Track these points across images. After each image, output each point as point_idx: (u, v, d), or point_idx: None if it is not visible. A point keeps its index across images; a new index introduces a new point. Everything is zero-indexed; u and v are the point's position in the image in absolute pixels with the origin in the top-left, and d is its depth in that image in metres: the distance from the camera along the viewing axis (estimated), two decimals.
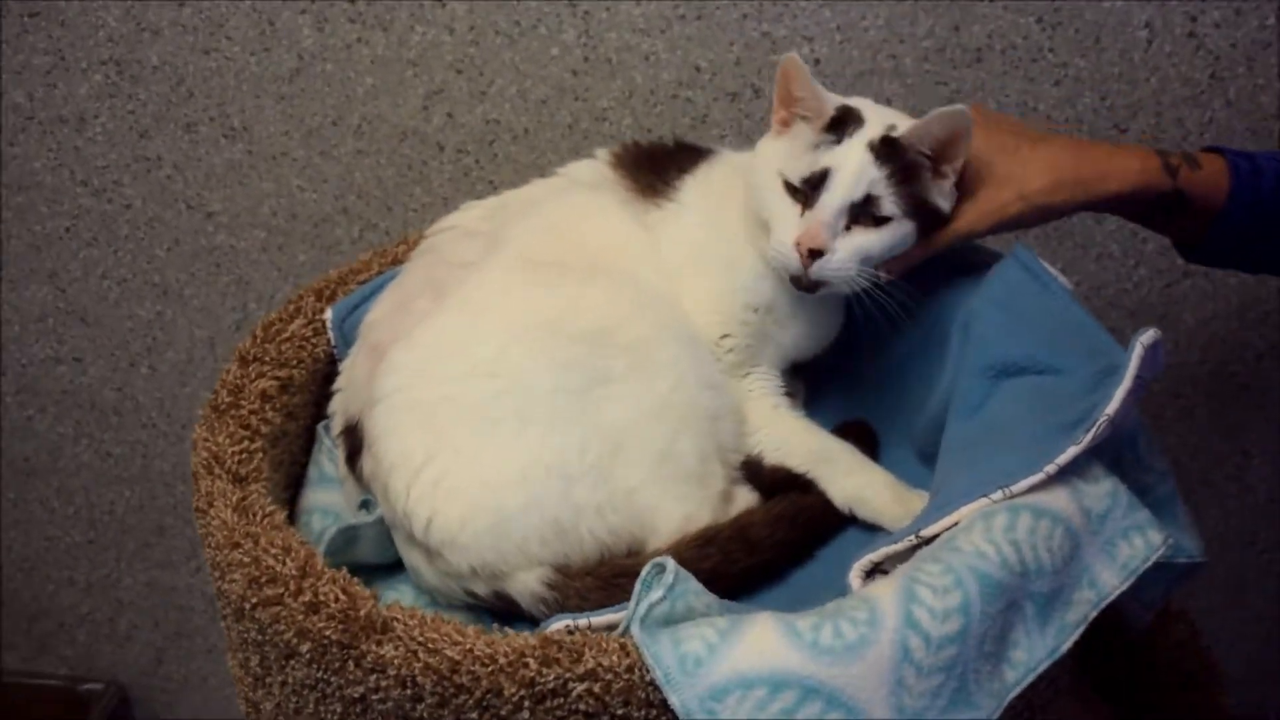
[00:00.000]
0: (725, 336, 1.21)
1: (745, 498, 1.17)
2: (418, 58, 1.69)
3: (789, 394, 1.25)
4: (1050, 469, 0.96)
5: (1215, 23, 1.52)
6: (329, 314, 1.29)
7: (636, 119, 1.68)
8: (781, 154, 1.14)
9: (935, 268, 1.22)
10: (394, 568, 1.15)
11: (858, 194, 1.10)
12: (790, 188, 1.13)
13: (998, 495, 0.96)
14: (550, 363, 1.08)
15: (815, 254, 1.10)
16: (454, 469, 1.05)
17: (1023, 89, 1.60)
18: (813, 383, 1.34)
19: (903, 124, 1.13)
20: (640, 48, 1.64)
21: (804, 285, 1.12)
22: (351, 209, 1.81)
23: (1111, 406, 0.98)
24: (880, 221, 1.11)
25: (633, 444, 1.07)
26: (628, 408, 1.08)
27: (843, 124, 1.14)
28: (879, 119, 1.14)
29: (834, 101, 1.15)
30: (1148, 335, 1.00)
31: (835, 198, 1.10)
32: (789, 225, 1.12)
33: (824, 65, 1.62)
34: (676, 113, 1.73)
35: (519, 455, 1.05)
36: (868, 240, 1.11)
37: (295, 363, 1.24)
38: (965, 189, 1.16)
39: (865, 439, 1.25)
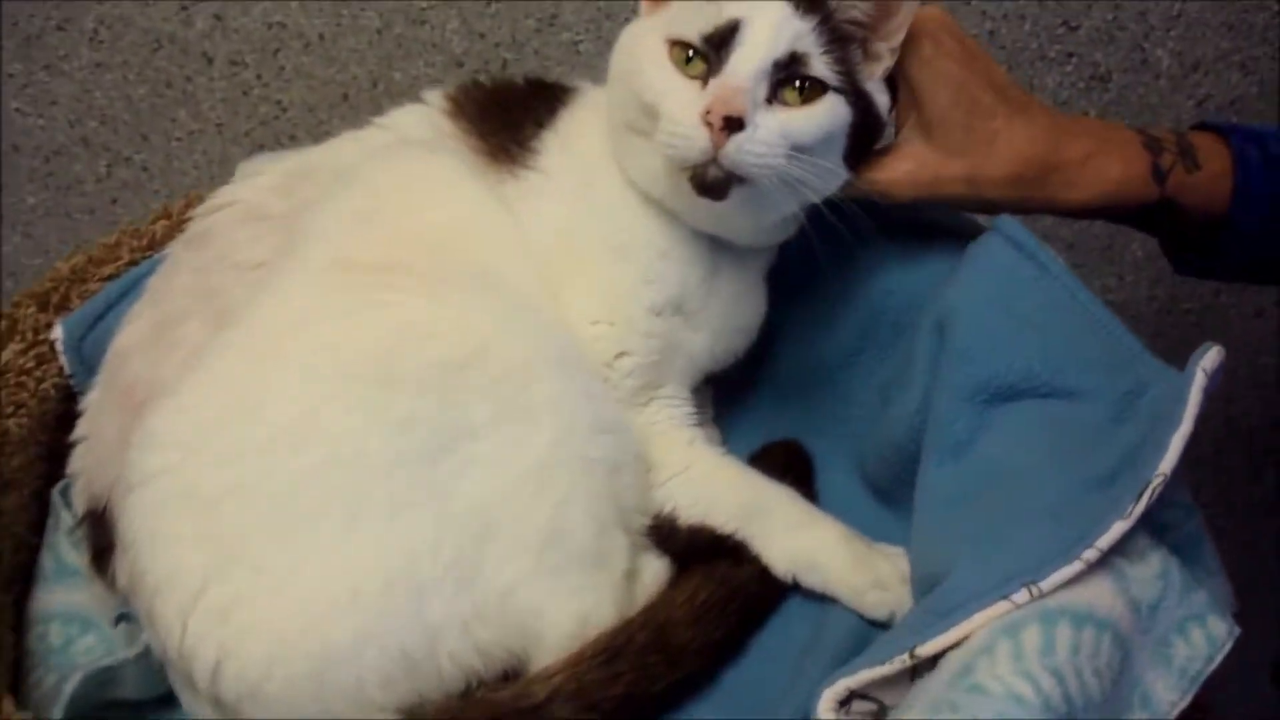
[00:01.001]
0: (622, 355, 0.95)
1: (655, 570, 0.92)
2: None
3: (701, 421, 0.99)
4: (1090, 555, 0.74)
5: None
6: (59, 333, 0.98)
7: (465, 20, 1.47)
8: (662, 22, 0.90)
9: (886, 234, 1.00)
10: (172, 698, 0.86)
11: (780, 50, 0.86)
12: (682, 56, 0.88)
13: (1022, 596, 0.74)
14: (382, 422, 0.80)
15: (731, 126, 0.83)
16: (250, 592, 0.77)
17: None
18: (722, 394, 1.09)
19: None
20: None
21: (709, 184, 0.86)
22: (93, 138, 1.57)
23: (1167, 462, 0.76)
24: (811, 94, 0.87)
25: (505, 526, 0.81)
26: (495, 475, 0.82)
27: None
28: None
29: None
30: (1210, 356, 0.79)
31: (752, 54, 0.86)
32: (686, 100, 0.86)
33: None
34: (518, 13, 1.42)
35: (345, 564, 0.78)
36: (797, 118, 0.87)
37: (10, 410, 0.91)
38: (903, 125, 0.94)
39: (797, 466, 1.02)
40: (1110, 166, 0.93)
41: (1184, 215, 0.95)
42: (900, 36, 0.90)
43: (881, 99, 0.92)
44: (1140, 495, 0.76)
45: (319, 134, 1.43)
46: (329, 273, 0.88)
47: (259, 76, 1.50)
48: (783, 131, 0.85)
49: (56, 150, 1.57)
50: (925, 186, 0.93)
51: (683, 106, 0.85)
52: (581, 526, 0.85)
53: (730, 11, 0.87)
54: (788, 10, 0.87)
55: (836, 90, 0.88)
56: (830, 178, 0.89)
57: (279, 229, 0.93)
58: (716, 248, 0.95)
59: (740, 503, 0.94)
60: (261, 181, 0.99)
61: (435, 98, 1.02)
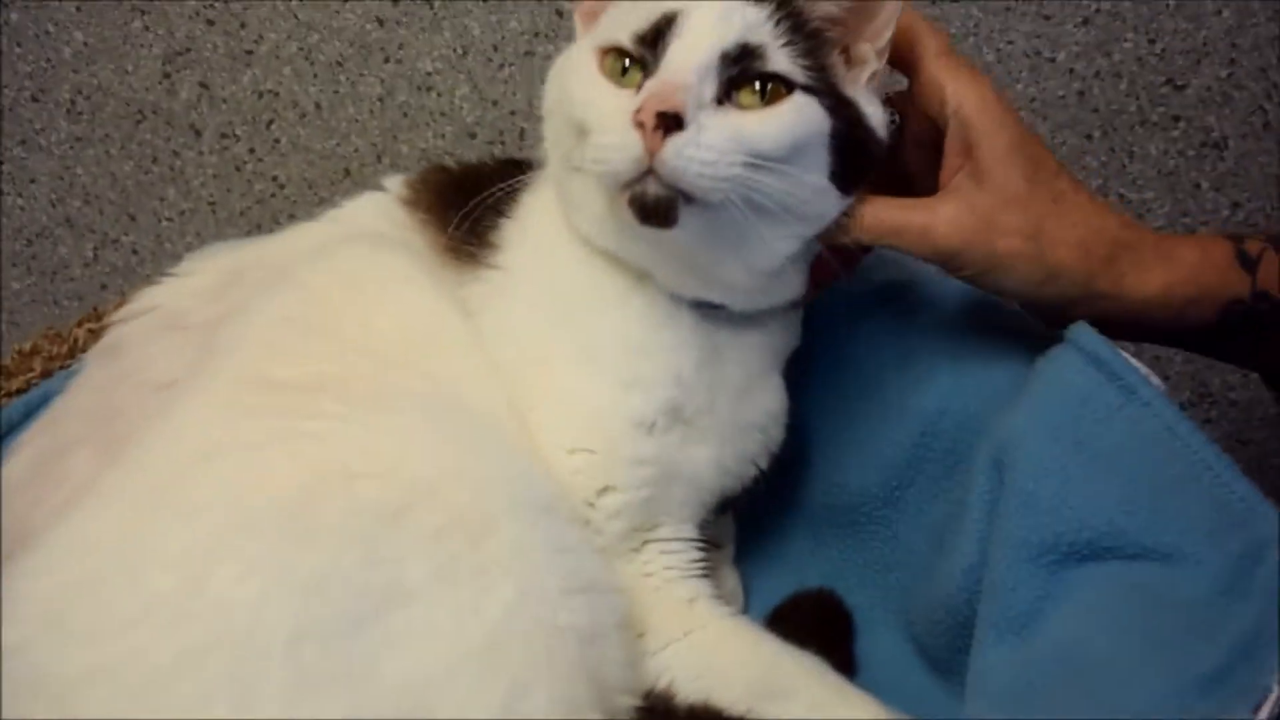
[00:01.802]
0: (606, 491, 0.80)
1: None
2: (145, 1, 1.37)
3: (708, 567, 0.85)
4: None
5: None
6: None
7: (476, 86, 1.36)
8: (590, 39, 0.79)
9: (937, 336, 0.88)
10: None
11: (728, 40, 0.74)
12: (617, 65, 0.76)
13: None
14: (287, 586, 0.66)
15: (667, 126, 0.70)
16: None
17: (1035, 32, 1.28)
18: (745, 526, 0.96)
19: None
20: None
21: (651, 206, 0.72)
22: (77, 218, 1.49)
23: None
24: (774, 94, 0.74)
25: (443, 715, 0.66)
26: (433, 651, 0.68)
27: None
28: None
29: None
30: None
31: (693, 44, 0.74)
32: (617, 108, 0.73)
33: None
34: (533, 76, 1.31)
35: None
36: (754, 119, 0.73)
37: None
38: (952, 173, 0.80)
39: (832, 624, 0.88)
40: (1185, 250, 0.80)
41: None
42: (887, 37, 0.78)
43: (874, 110, 0.78)
44: (1259, 705, 0.59)
45: (320, 211, 1.32)
46: (241, 393, 0.75)
47: (252, 150, 1.41)
48: (735, 134, 0.72)
49: (39, 232, 1.49)
50: (974, 235, 0.78)
51: (612, 114, 0.73)
52: (545, 713, 0.71)
53: (668, 5, 0.75)
54: None
55: (806, 89, 0.74)
56: (817, 199, 0.76)
57: (198, 340, 0.81)
58: (712, 323, 0.82)
59: (753, 678, 0.79)
60: (188, 284, 0.87)
61: (395, 184, 0.90)
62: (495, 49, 1.31)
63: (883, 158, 0.79)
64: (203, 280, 0.88)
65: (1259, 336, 0.82)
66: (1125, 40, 1.25)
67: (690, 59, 0.73)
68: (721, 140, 0.71)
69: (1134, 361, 0.77)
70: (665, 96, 0.70)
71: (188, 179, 1.43)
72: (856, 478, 0.92)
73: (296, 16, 1.32)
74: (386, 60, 1.34)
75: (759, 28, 0.75)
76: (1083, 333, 0.78)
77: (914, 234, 0.78)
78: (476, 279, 0.83)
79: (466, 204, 0.85)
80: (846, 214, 0.78)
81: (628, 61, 0.75)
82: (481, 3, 1.29)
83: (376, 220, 0.88)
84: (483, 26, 1.30)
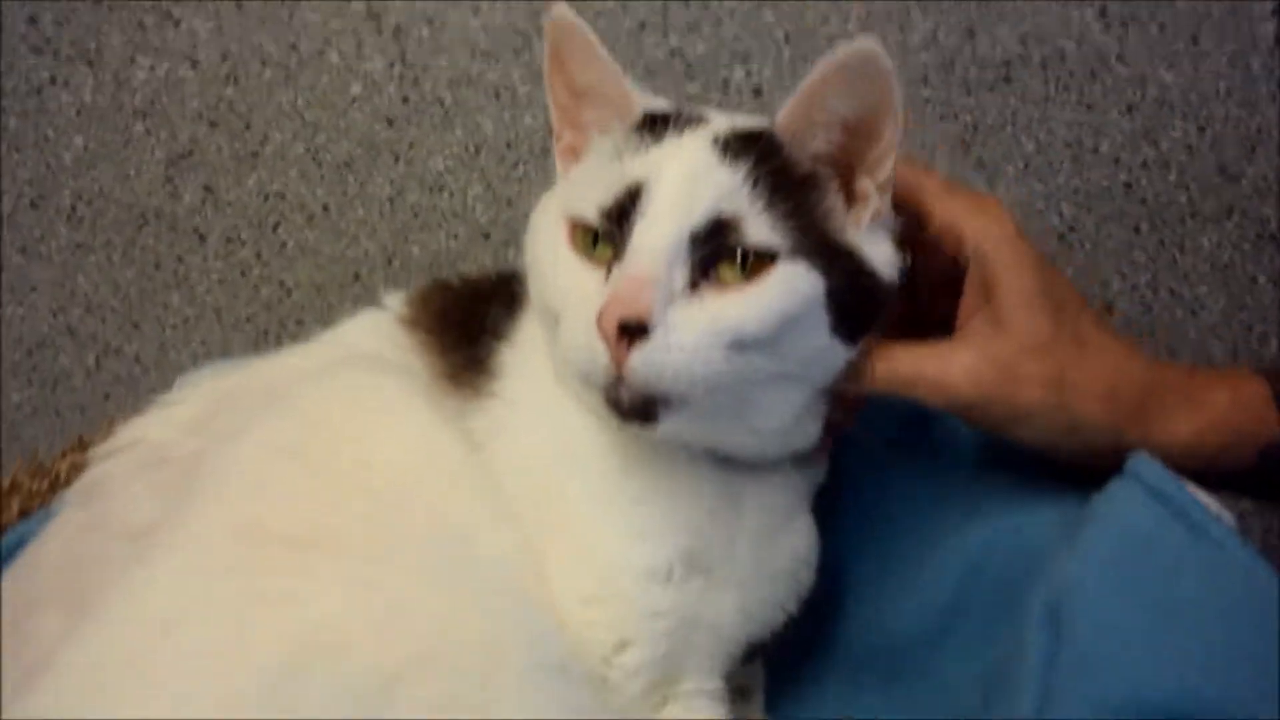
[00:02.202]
0: (623, 647, 0.75)
1: None
2: (147, 104, 1.33)
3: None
4: None
5: None
6: None
7: (490, 185, 1.33)
8: (560, 192, 0.76)
9: (982, 462, 0.83)
10: None
11: (698, 217, 0.68)
12: (587, 238, 0.71)
13: None
14: None
15: (633, 332, 0.65)
16: None
17: (1076, 121, 1.24)
18: (776, 671, 0.89)
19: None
20: (486, 78, 1.27)
21: (627, 409, 0.68)
22: (79, 327, 1.45)
23: None
24: (757, 266, 0.69)
25: None
26: None
27: (665, 122, 0.73)
28: (730, 121, 0.75)
29: (640, 97, 0.76)
30: None
31: (658, 229, 0.68)
32: (586, 297, 0.69)
33: (767, 97, 1.21)
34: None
35: None
36: (737, 303, 0.68)
37: None
38: (969, 316, 0.75)
39: None
40: (1216, 392, 0.76)
41: None
42: (889, 168, 0.71)
43: (879, 250, 0.73)
44: None
45: (329, 317, 1.28)
46: (226, 546, 0.69)
47: (258, 255, 1.38)
48: (713, 326, 0.67)
49: (40, 342, 1.46)
50: (992, 386, 0.73)
51: (580, 314, 0.68)
52: None
53: (632, 172, 0.69)
54: (706, 158, 0.70)
55: (793, 254, 0.68)
56: (819, 357, 0.71)
57: (180, 476, 0.75)
58: (728, 466, 0.76)
59: None
60: (175, 413, 0.82)
61: (395, 302, 0.85)
62: (509, 146, 1.28)
63: (893, 300, 0.74)
64: (190, 409, 0.83)
65: None
66: (1173, 128, 1.21)
67: (656, 244, 0.67)
68: (695, 337, 0.66)
69: (1201, 494, 0.71)
70: (628, 301, 0.65)
71: (192, 285, 1.40)
72: (896, 620, 0.86)
73: (303, 117, 1.30)
74: (396, 160, 1.30)
75: (734, 194, 0.69)
76: (1144, 464, 0.72)
77: (928, 385, 0.73)
78: (479, 409, 0.78)
79: (463, 323, 0.81)
80: (856, 359, 0.73)
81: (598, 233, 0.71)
82: (494, 99, 1.26)
83: (375, 341, 0.84)
84: (496, 124, 1.27)
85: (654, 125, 0.72)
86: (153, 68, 1.30)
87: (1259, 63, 1.17)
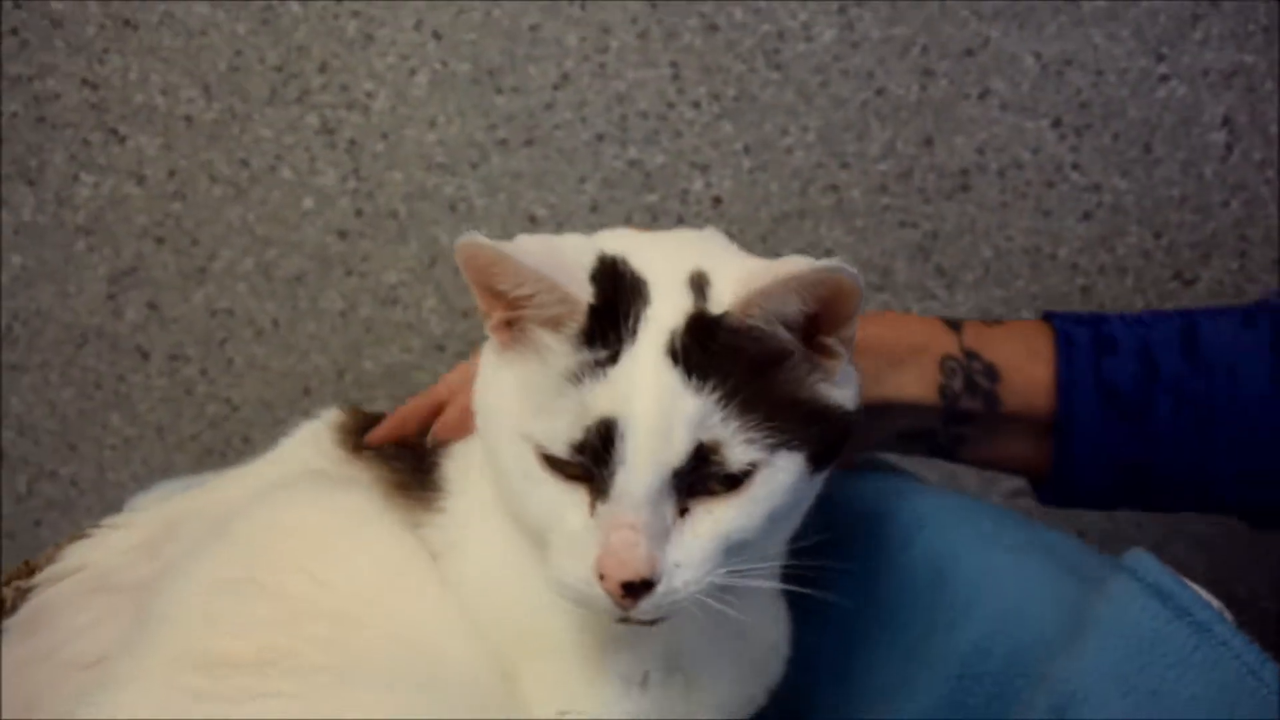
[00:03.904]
0: None
1: None
2: (91, 221, 1.32)
3: None
4: None
5: None
6: None
7: (445, 298, 1.34)
8: (516, 398, 0.70)
9: (974, 562, 0.82)
10: None
11: (678, 453, 0.66)
12: (553, 460, 0.68)
13: None
14: None
15: (636, 589, 0.65)
16: None
17: (1034, 228, 1.28)
18: None
19: (725, 273, 0.70)
20: (442, 191, 1.28)
21: (637, 624, 0.68)
22: (10, 450, 1.43)
23: None
24: (739, 480, 0.67)
25: None
26: None
27: (612, 318, 0.68)
28: (672, 280, 0.70)
29: (584, 288, 0.69)
30: None
31: (641, 474, 0.66)
32: (574, 532, 0.67)
33: (727, 206, 1.20)
34: None
35: None
36: (729, 514, 0.67)
37: None
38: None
39: None
40: (903, 375, 0.87)
41: (1000, 433, 0.88)
42: (856, 324, 0.71)
43: (847, 392, 0.72)
44: None
45: (277, 434, 1.27)
46: (179, 676, 0.68)
47: (204, 371, 1.36)
48: (713, 546, 0.67)
49: None
50: None
51: (572, 553, 0.67)
52: None
53: (600, 407, 0.66)
54: (671, 384, 0.67)
55: (774, 451, 0.68)
56: (801, 512, 0.73)
57: (129, 605, 0.74)
58: None
59: None
60: (119, 538, 0.81)
61: (332, 415, 0.85)
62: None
63: (859, 422, 0.74)
64: (135, 534, 0.82)
65: (987, 408, 0.87)
66: (1129, 235, 1.24)
67: (641, 492, 0.66)
68: (698, 566, 0.67)
69: (1200, 590, 0.71)
70: (629, 562, 0.64)
71: (134, 404, 1.38)
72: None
73: (253, 232, 1.29)
74: (349, 273, 1.30)
75: (708, 420, 0.67)
76: (1142, 562, 0.72)
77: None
78: (431, 524, 0.77)
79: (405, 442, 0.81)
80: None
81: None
82: (450, 211, 1.27)
83: (317, 457, 0.82)
84: (451, 236, 1.27)
85: (602, 329, 0.68)
86: (97, 185, 1.29)
87: (1211, 170, 1.21)
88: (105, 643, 0.73)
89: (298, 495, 0.79)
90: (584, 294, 0.67)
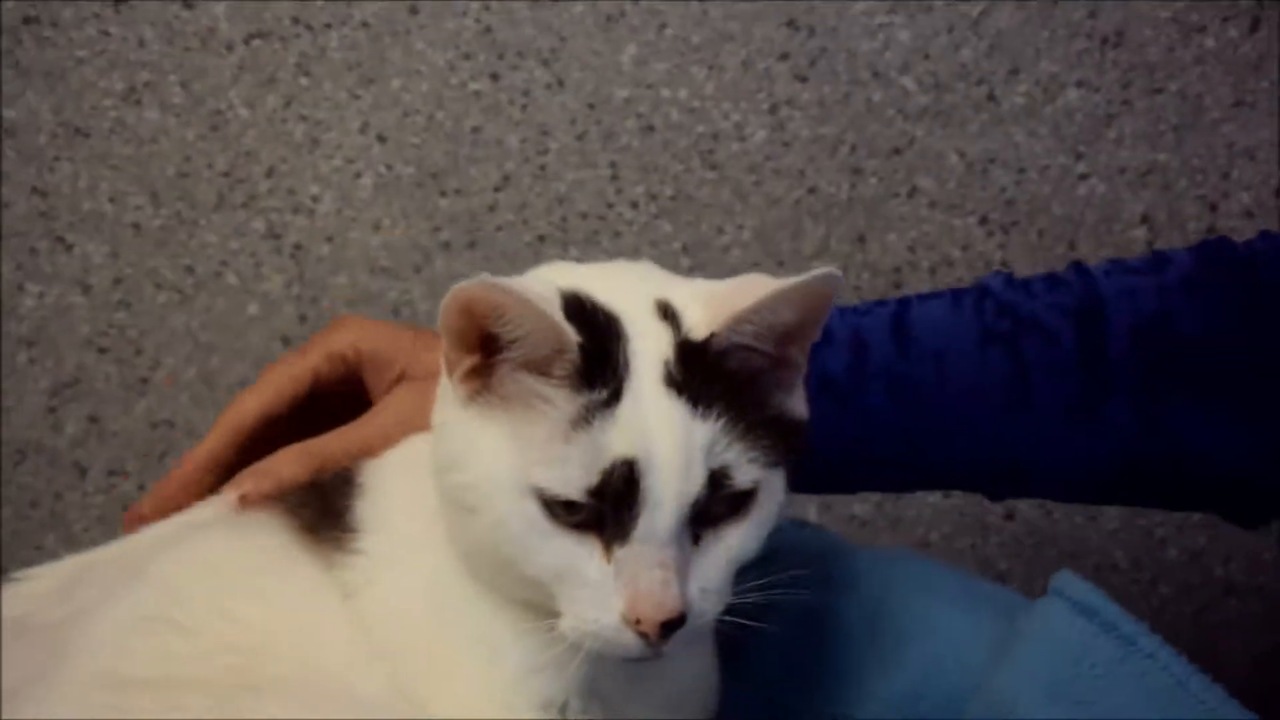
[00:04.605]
0: None
1: None
2: (34, 332, 1.32)
3: None
4: None
5: (1245, 208, 1.18)
6: None
7: None
8: (509, 453, 0.69)
9: (890, 603, 0.84)
10: None
11: (697, 485, 0.66)
12: (560, 502, 0.67)
13: None
14: None
15: (674, 625, 0.65)
16: None
17: None
18: None
19: (685, 299, 0.70)
20: (386, 296, 1.27)
21: (653, 658, 0.67)
22: None
23: None
24: (742, 501, 0.68)
25: None
26: None
27: (602, 355, 0.68)
28: (640, 311, 0.70)
29: (564, 325, 0.68)
30: None
31: (667, 512, 0.66)
32: (592, 581, 0.67)
33: None
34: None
35: None
36: (735, 538, 0.68)
37: None
38: None
39: None
40: None
41: None
42: (818, 333, 0.72)
43: (802, 405, 0.73)
44: None
45: None
46: (93, 692, 0.67)
47: (142, 487, 1.34)
48: (727, 571, 0.69)
49: None
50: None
51: (594, 601, 0.67)
52: None
53: (616, 449, 0.66)
54: (685, 417, 0.67)
55: (767, 470, 0.69)
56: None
57: (42, 645, 0.73)
58: None
59: None
60: (30, 587, 0.79)
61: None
62: None
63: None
64: (46, 583, 0.80)
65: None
66: None
67: (666, 532, 0.66)
68: (719, 588, 0.68)
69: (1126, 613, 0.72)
70: (664, 604, 0.65)
71: (69, 523, 1.36)
72: None
73: (197, 339, 1.30)
74: None
75: (716, 447, 0.68)
76: (1069, 582, 0.73)
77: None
78: (345, 564, 0.77)
79: (309, 489, 0.80)
80: None
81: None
82: (394, 316, 1.28)
83: (222, 509, 0.83)
84: None
85: (595, 368, 0.68)
86: (42, 295, 1.30)
87: None
88: (16, 678, 0.72)
89: (213, 534, 0.78)
90: (572, 338, 0.67)
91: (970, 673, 0.77)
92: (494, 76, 1.25)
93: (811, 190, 1.25)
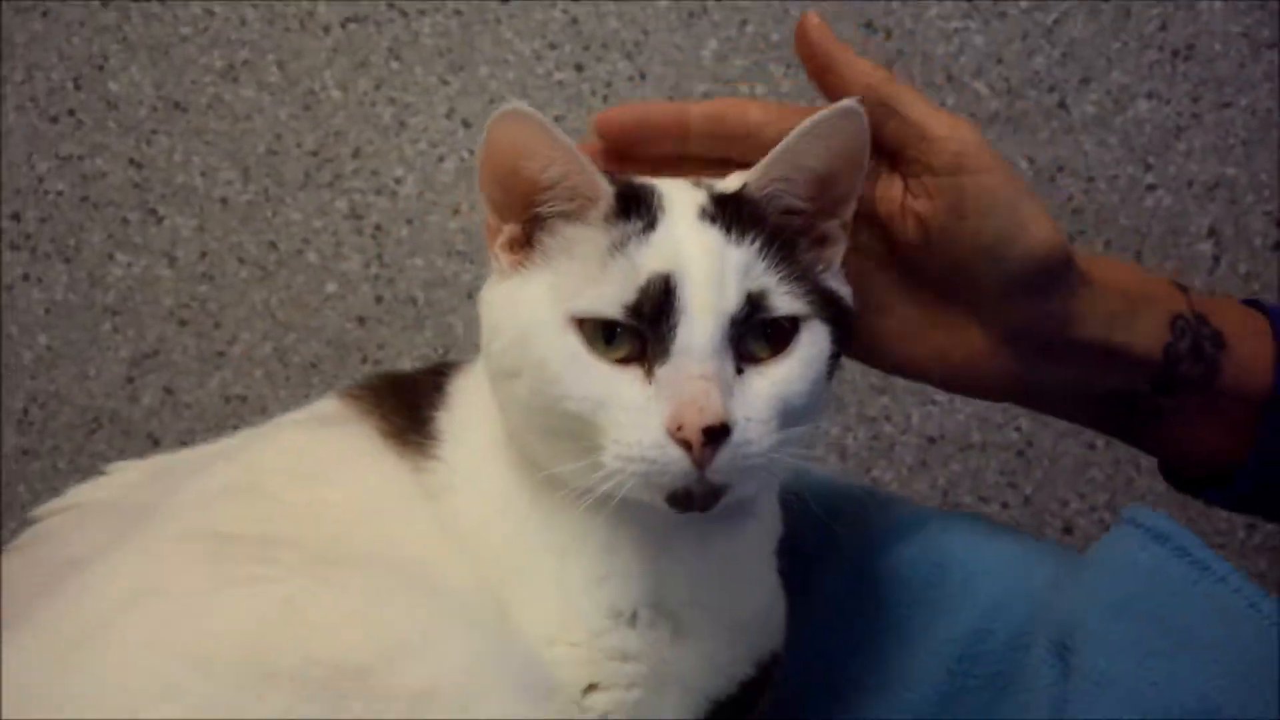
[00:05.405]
0: (591, 690, 0.72)
1: None
2: (119, 302, 1.36)
3: None
4: None
5: None
6: None
7: None
8: (549, 298, 0.70)
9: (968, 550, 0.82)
10: None
11: (733, 300, 0.68)
12: (598, 334, 0.68)
13: None
14: None
15: (716, 434, 0.64)
16: None
17: None
18: None
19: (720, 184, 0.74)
20: (460, 279, 1.29)
21: (696, 498, 0.66)
22: (11, 541, 1.31)
23: None
24: (781, 337, 0.69)
25: None
26: None
27: (637, 200, 0.71)
28: (678, 184, 0.74)
29: (597, 172, 0.71)
30: None
31: (704, 322, 0.67)
32: (634, 404, 0.67)
33: None
34: None
35: None
36: (779, 377, 0.69)
37: None
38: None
39: None
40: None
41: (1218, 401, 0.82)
42: (854, 205, 0.74)
43: (846, 287, 0.75)
44: None
45: None
46: (187, 543, 0.68)
47: None
48: (772, 406, 0.68)
49: None
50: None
51: (636, 423, 0.67)
52: None
53: (651, 265, 0.68)
54: (719, 240, 0.69)
55: (809, 314, 0.70)
56: (820, 406, 0.72)
57: (130, 520, 0.74)
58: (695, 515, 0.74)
59: None
60: (116, 479, 0.82)
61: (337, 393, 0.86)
62: (478, 348, 1.31)
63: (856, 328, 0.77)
64: (132, 475, 0.83)
65: (1205, 377, 0.81)
66: None
67: (707, 341, 0.67)
68: (765, 418, 0.67)
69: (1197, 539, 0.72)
70: (706, 408, 0.65)
71: None
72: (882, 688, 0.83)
73: (275, 316, 1.32)
74: (364, 360, 1.32)
75: (753, 270, 0.69)
76: (1141, 511, 0.73)
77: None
78: (427, 470, 0.78)
79: (398, 394, 0.82)
80: None
81: (616, 328, 0.69)
82: (467, 300, 1.30)
83: (326, 410, 0.84)
84: (466, 324, 1.30)
85: (630, 208, 0.71)
86: (130, 265, 1.33)
87: (1200, 281, 1.25)
88: (103, 544, 0.73)
89: (300, 425, 0.80)
90: (606, 183, 0.70)
91: (1037, 607, 0.77)
92: (578, 67, 1.28)
93: None
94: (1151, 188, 1.24)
